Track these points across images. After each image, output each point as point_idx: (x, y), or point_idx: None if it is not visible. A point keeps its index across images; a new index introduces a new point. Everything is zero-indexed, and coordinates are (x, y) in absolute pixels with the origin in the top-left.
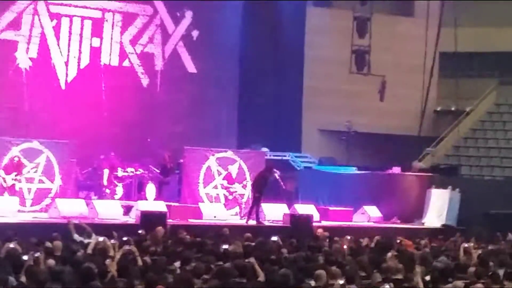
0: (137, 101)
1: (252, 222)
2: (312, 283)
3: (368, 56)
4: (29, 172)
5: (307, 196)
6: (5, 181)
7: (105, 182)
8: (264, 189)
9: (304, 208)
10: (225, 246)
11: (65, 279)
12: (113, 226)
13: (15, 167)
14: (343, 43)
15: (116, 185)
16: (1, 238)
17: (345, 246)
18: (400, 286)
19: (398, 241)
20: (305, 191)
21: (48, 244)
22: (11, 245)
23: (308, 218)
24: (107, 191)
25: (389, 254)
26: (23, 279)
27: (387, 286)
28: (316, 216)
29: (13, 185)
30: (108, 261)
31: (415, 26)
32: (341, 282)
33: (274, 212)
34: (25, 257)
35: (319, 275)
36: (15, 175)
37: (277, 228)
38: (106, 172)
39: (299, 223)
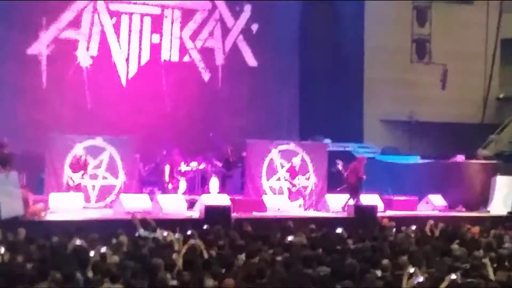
0: (199, 96)
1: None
2: (379, 273)
3: (429, 44)
4: (92, 169)
5: (370, 187)
6: (72, 180)
7: (167, 177)
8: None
9: (368, 199)
10: (290, 238)
11: (131, 274)
12: (177, 220)
13: (82, 166)
14: (403, 32)
15: (179, 180)
16: (67, 235)
17: (411, 235)
18: (468, 275)
19: (466, 228)
20: (368, 181)
21: (114, 239)
22: (77, 242)
23: (372, 209)
24: (170, 186)
25: (455, 243)
26: (90, 274)
27: (454, 276)
28: (380, 206)
29: (79, 183)
30: (174, 255)
31: (475, 13)
32: (411, 270)
33: (338, 203)
34: (91, 253)
35: (385, 265)
36: (82, 174)
37: (341, 219)
38: (168, 167)
39: (363, 214)
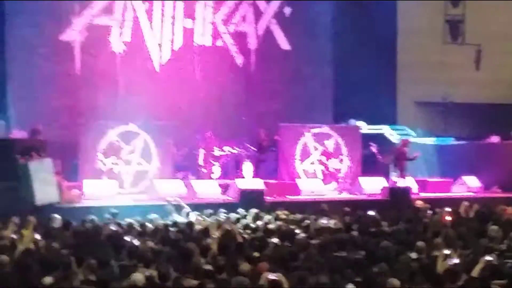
0: (232, 80)
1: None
2: (414, 255)
3: (462, 25)
4: (126, 154)
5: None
6: (104, 164)
7: (201, 162)
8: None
9: (402, 181)
10: (324, 221)
11: (165, 259)
12: (211, 205)
13: (114, 151)
14: (436, 13)
15: (213, 165)
16: (101, 221)
17: (446, 218)
18: (504, 256)
19: (501, 209)
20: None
21: (148, 225)
22: (112, 227)
23: (406, 191)
24: (204, 170)
25: (490, 224)
26: (124, 260)
27: (490, 257)
28: (414, 188)
29: (111, 168)
30: (208, 240)
31: None
32: (446, 252)
33: (372, 186)
34: (126, 239)
35: (420, 247)
36: (115, 159)
37: (375, 202)
38: (202, 152)
39: (398, 196)
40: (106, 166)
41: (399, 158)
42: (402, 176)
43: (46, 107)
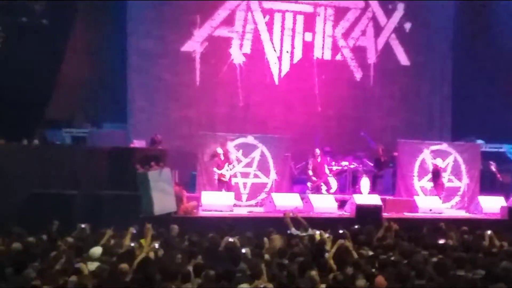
0: (350, 94)
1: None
2: None
3: None
4: (244, 167)
5: None
6: (224, 177)
7: (318, 176)
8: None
9: None
10: (442, 240)
11: (284, 273)
12: (328, 219)
13: (225, 160)
14: None
15: (331, 179)
16: (219, 232)
17: None
18: None
19: None
20: None
21: (265, 238)
22: (230, 239)
23: None
24: (321, 185)
25: None
26: (241, 272)
27: None
28: None
29: (230, 179)
30: (325, 254)
31: None
32: None
33: (491, 205)
34: (243, 250)
35: None
36: (227, 166)
37: (494, 221)
38: (321, 166)
39: None
40: (226, 176)
41: None
42: None
43: (165, 117)
